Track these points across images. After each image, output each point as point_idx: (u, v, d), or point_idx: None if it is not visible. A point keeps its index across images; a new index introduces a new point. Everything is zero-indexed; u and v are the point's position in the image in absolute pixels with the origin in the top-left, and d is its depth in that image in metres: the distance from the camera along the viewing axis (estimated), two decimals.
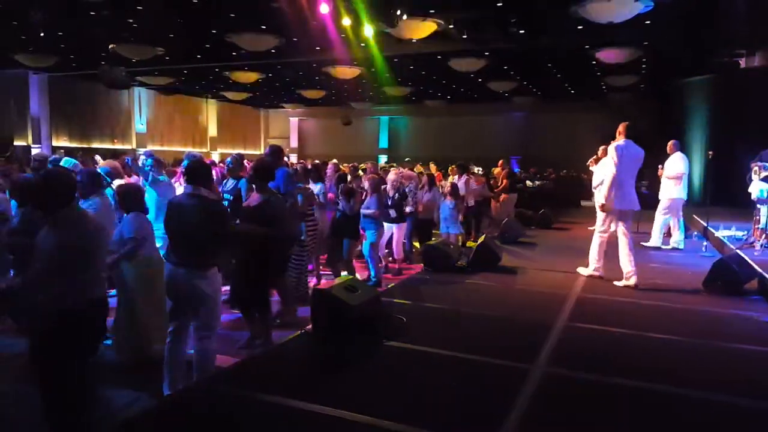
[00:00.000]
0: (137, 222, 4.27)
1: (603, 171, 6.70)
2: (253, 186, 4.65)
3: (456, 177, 9.48)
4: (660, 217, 8.15)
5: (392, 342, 3.88)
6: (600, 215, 6.04)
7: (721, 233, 8.13)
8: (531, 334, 4.13)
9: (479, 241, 6.73)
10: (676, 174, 8.01)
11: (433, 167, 12.95)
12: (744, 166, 8.37)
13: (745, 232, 7.73)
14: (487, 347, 3.85)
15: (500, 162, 12.04)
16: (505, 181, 11.15)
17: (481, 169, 12.68)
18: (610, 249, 5.99)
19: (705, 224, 8.68)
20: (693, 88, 15.02)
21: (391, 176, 7.69)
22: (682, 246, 8.10)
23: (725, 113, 13.25)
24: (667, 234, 8.28)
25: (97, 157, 9.68)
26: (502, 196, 10.94)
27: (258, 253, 4.42)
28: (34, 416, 3.08)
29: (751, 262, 5.76)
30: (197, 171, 3.67)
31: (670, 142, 8.36)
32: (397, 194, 7.36)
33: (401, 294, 5.25)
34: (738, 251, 6.47)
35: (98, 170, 5.25)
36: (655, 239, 8.15)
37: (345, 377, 3.41)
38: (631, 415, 2.92)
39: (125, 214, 4.33)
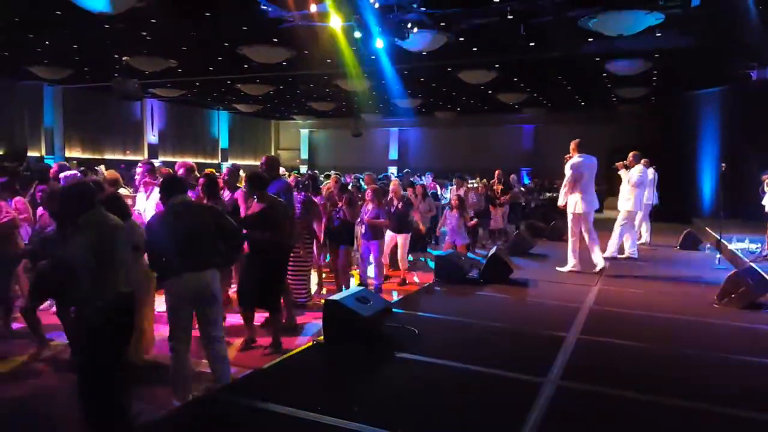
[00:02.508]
0: (137, 228, 4.43)
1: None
2: (253, 196, 4.84)
3: (459, 189, 9.67)
4: (618, 228, 8.24)
5: (403, 353, 3.87)
6: (572, 221, 6.95)
7: (734, 246, 8.05)
8: (543, 347, 4.10)
9: (490, 253, 6.71)
10: (633, 184, 8.24)
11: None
12: (757, 179, 8.32)
13: (759, 245, 7.66)
14: (499, 360, 3.82)
15: (497, 172, 12.03)
16: (507, 194, 11.27)
17: (476, 181, 12.67)
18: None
19: (718, 237, 8.59)
20: (704, 100, 14.97)
21: (393, 186, 7.72)
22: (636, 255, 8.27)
23: (737, 125, 13.18)
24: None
25: (101, 167, 9.71)
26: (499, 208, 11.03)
27: (270, 257, 4.60)
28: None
29: (764, 275, 5.68)
30: (177, 182, 3.87)
31: (632, 153, 8.53)
32: (401, 203, 7.40)
33: (412, 305, 5.24)
34: (751, 264, 6.39)
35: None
36: (611, 250, 8.19)
37: (356, 389, 3.40)
38: (645, 431, 2.88)
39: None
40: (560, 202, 7.12)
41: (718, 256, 8.00)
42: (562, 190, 7.08)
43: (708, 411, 3.10)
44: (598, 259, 7.03)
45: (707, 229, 10.12)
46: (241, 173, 8.10)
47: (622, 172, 8.51)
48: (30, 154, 17.81)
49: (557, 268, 7.16)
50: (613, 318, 5.03)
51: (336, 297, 4.20)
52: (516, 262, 7.09)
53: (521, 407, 3.04)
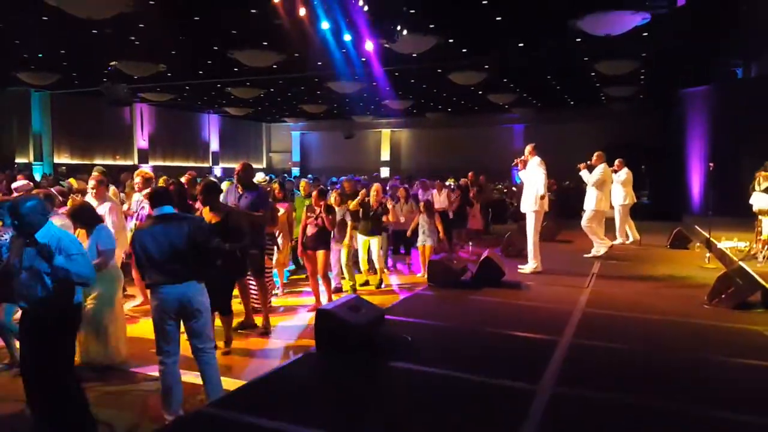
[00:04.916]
0: (109, 234, 4.52)
1: (533, 181, 7.27)
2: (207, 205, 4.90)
3: (436, 191, 9.80)
4: (595, 229, 8.37)
5: (396, 362, 3.87)
6: (536, 219, 7.18)
7: (723, 244, 8.11)
8: (536, 353, 4.11)
9: (483, 256, 6.71)
10: (592, 184, 8.41)
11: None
12: (746, 176, 8.38)
13: (747, 244, 7.71)
14: (493, 366, 3.82)
15: (470, 174, 12.12)
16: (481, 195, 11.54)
17: (453, 181, 12.84)
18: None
19: (707, 235, 8.66)
20: (692, 98, 15.08)
21: (375, 190, 7.70)
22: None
23: (724, 123, 13.29)
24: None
25: (70, 180, 8.80)
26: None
27: (224, 263, 4.58)
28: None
29: (754, 275, 5.74)
30: (160, 194, 3.84)
31: (597, 153, 8.65)
32: (379, 207, 7.48)
33: (405, 312, 5.24)
34: (741, 263, 6.45)
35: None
36: (598, 249, 8.39)
37: (349, 400, 3.39)
38: None
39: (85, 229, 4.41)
40: (542, 191, 7.18)
41: (708, 254, 8.06)
42: (542, 187, 7.16)
43: (702, 414, 3.12)
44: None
45: (697, 227, 10.19)
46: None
47: (583, 173, 8.56)
48: (18, 160, 17.65)
49: (520, 267, 7.28)
50: (606, 321, 5.06)
51: (327, 306, 4.19)
52: (508, 265, 7.11)
53: (515, 416, 3.04)
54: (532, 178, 7.29)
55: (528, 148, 7.54)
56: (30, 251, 3.16)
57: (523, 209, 7.42)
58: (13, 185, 6.37)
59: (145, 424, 3.64)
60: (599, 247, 8.40)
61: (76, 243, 3.31)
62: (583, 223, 8.47)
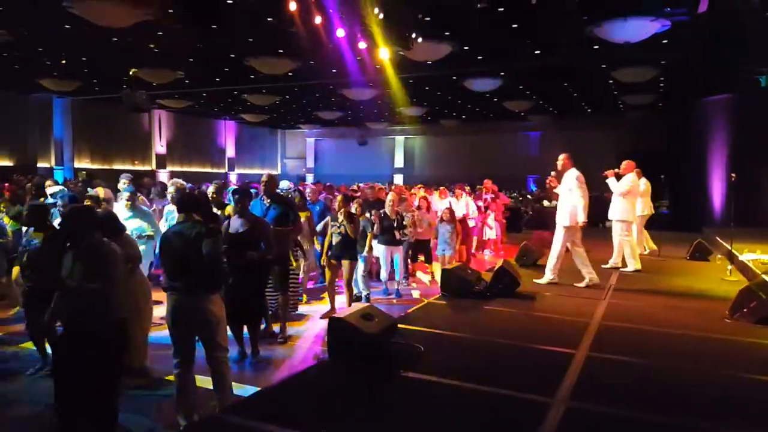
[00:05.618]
0: (133, 241, 4.65)
1: (570, 197, 6.92)
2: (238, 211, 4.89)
3: (456, 198, 9.69)
4: (625, 240, 8.19)
5: (409, 372, 3.82)
6: (566, 234, 6.90)
7: (745, 257, 7.93)
8: (552, 365, 4.03)
9: (498, 265, 6.64)
10: (619, 193, 8.20)
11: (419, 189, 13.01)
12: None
13: None
14: (507, 379, 3.76)
15: (485, 182, 12.00)
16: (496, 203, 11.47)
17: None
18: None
19: (729, 247, 8.47)
20: (712, 107, 14.84)
21: (388, 201, 7.56)
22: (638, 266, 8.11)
23: (746, 132, 13.05)
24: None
25: (97, 189, 8.93)
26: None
27: (254, 273, 4.73)
28: None
29: None
30: (186, 200, 3.83)
31: (627, 162, 8.45)
32: (397, 217, 7.39)
33: (418, 321, 5.19)
34: (764, 276, 6.29)
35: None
36: (615, 261, 8.27)
37: (361, 409, 3.35)
38: None
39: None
40: (584, 218, 6.83)
41: (730, 267, 7.87)
42: (580, 205, 6.78)
43: None
44: (591, 271, 6.99)
45: (718, 238, 9.99)
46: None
47: (611, 181, 8.31)
48: (40, 165, 17.99)
49: (535, 280, 7.07)
50: (623, 334, 4.95)
51: (340, 314, 4.17)
52: (523, 275, 7.01)
53: (529, 429, 2.98)
54: (569, 194, 6.89)
55: (561, 159, 7.13)
56: (70, 262, 3.18)
57: (557, 220, 7.11)
58: (49, 191, 6.45)
59: (159, 429, 3.65)
60: (629, 263, 8.10)
61: (98, 271, 3.20)
62: (621, 235, 8.17)
